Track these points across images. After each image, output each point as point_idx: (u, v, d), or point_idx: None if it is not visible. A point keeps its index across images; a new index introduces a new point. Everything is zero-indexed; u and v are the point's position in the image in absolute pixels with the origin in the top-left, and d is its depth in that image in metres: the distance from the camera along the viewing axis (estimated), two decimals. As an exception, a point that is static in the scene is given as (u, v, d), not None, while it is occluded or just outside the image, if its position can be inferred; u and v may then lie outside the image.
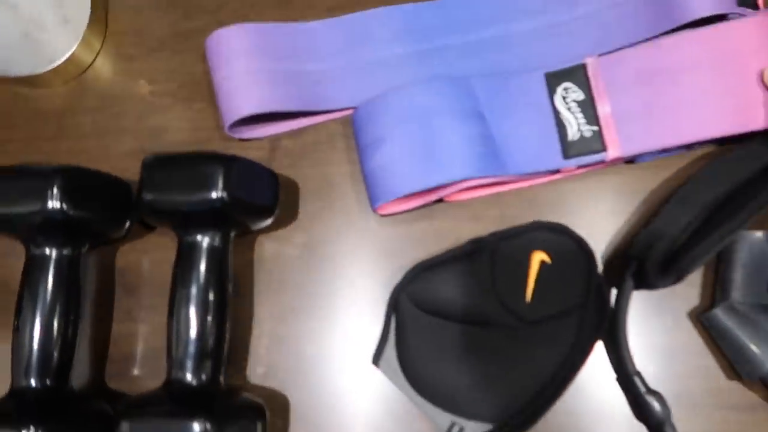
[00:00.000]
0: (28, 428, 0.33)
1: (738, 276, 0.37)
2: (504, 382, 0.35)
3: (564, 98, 0.40)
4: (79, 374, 0.41)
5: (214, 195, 0.34)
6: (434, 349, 0.36)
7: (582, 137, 0.39)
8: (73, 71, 0.46)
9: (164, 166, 0.36)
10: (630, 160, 0.41)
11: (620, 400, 0.38)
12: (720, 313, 0.36)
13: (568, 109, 0.39)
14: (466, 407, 0.35)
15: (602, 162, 0.39)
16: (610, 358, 0.38)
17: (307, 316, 0.41)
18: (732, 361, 0.37)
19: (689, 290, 0.39)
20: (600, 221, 0.40)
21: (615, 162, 0.40)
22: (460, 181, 0.38)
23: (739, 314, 0.36)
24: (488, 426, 0.34)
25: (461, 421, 0.35)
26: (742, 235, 0.37)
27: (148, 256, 0.43)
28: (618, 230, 0.40)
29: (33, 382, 0.36)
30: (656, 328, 0.39)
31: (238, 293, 0.41)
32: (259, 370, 0.41)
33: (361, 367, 0.40)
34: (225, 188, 0.34)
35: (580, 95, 0.39)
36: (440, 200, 0.41)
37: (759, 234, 0.37)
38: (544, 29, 0.43)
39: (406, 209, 0.41)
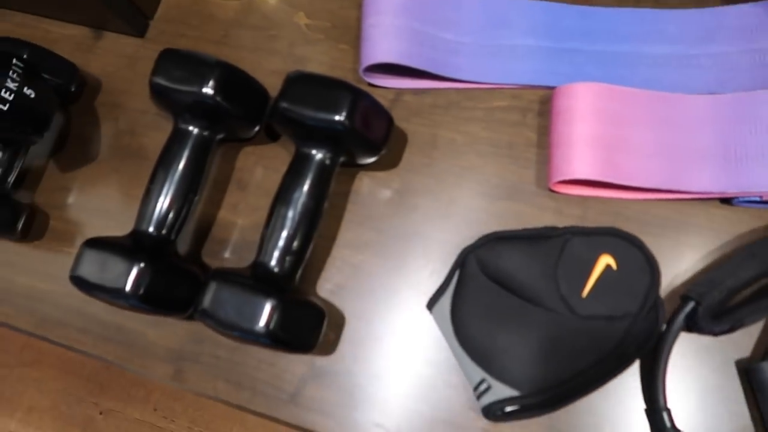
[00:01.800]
0: (140, 261, 0.39)
1: None
2: (539, 359, 0.37)
3: None
4: (184, 242, 0.48)
5: (337, 118, 0.39)
6: (484, 311, 0.39)
7: None
8: (248, -10, 0.53)
9: (303, 83, 0.41)
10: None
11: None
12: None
13: None
14: (499, 370, 0.38)
15: None
16: (643, 388, 0.40)
17: (380, 252, 0.45)
18: (765, 418, 0.37)
19: (743, 338, 0.39)
20: (676, 252, 0.42)
21: None
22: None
23: None
24: (514, 392, 0.37)
25: (491, 380, 0.38)
26: None
27: (264, 163, 0.49)
28: (691, 267, 0.42)
29: (150, 229, 0.42)
30: (700, 368, 0.40)
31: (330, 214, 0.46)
32: (327, 286, 0.45)
33: (415, 311, 0.43)
34: (348, 115, 0.39)
35: None
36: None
37: None
38: (674, 57, 0.45)
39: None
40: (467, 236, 0.44)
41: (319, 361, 0.44)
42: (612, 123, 0.42)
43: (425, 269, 0.44)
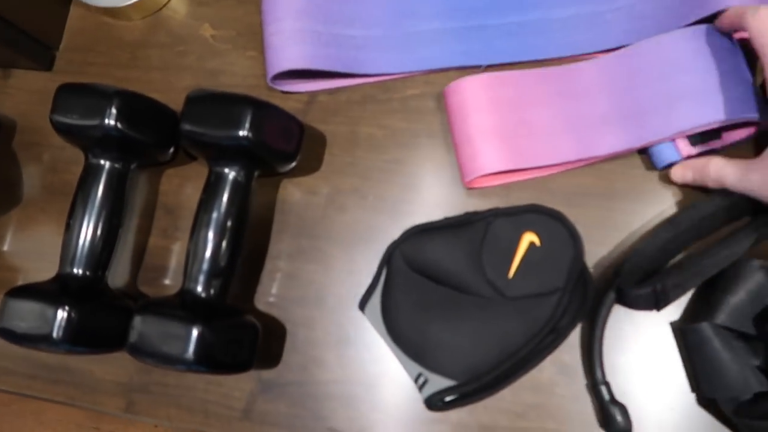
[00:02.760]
0: (65, 305, 0.39)
1: (729, 301, 0.37)
2: (471, 346, 0.37)
3: None
4: (118, 275, 0.47)
5: (240, 133, 0.38)
6: (414, 305, 0.39)
7: None
8: (150, 7, 0.52)
9: (203, 102, 0.40)
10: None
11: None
12: (706, 328, 0.36)
13: None
14: (434, 362, 0.38)
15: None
16: (583, 363, 0.40)
17: (315, 258, 0.45)
18: (699, 376, 0.37)
19: (678, 301, 0.40)
20: (605, 219, 0.42)
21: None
22: None
23: (722, 335, 0.36)
24: (451, 382, 0.37)
25: (427, 373, 0.38)
26: (742, 263, 0.37)
27: (189, 183, 0.48)
28: (622, 233, 0.42)
29: (75, 270, 0.42)
30: (637, 335, 0.40)
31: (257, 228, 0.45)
32: (265, 299, 0.45)
33: (355, 312, 0.43)
34: (251, 129, 0.38)
35: None
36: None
37: (759, 265, 0.37)
38: (582, 17, 0.44)
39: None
40: (398, 231, 0.43)
41: (266, 374, 0.44)
42: (508, 109, 0.42)
43: (361, 269, 0.44)
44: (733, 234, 0.38)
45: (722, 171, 0.38)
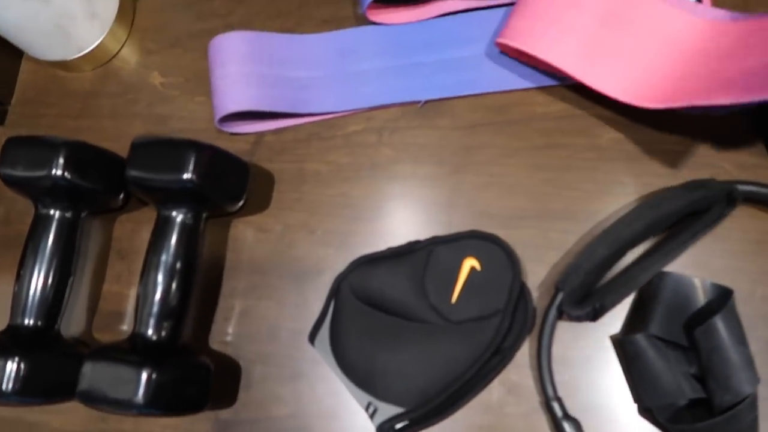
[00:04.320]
0: (14, 357, 0.39)
1: (659, 312, 0.38)
2: (418, 372, 0.38)
3: None
4: (74, 323, 0.48)
5: (184, 176, 0.39)
6: (361, 335, 0.40)
7: None
8: (100, 58, 0.53)
9: (148, 148, 0.41)
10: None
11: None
12: (640, 339, 0.38)
13: None
14: (382, 391, 0.38)
15: None
16: (535, 381, 0.41)
17: (267, 294, 0.46)
18: (638, 387, 0.38)
19: (618, 314, 0.41)
20: (542, 239, 0.43)
21: None
22: None
23: (655, 346, 0.37)
24: (399, 409, 0.38)
25: (376, 402, 0.39)
26: (669, 275, 0.39)
27: (142, 227, 0.49)
28: (560, 250, 0.43)
29: (26, 321, 0.42)
30: (582, 349, 0.41)
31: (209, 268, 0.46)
32: (219, 338, 0.46)
33: (307, 346, 0.44)
34: (194, 171, 0.40)
35: None
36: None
37: (684, 276, 0.38)
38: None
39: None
40: (346, 262, 0.44)
41: (223, 414, 0.44)
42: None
43: (312, 303, 0.45)
44: (661, 244, 0.40)
45: None
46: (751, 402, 0.35)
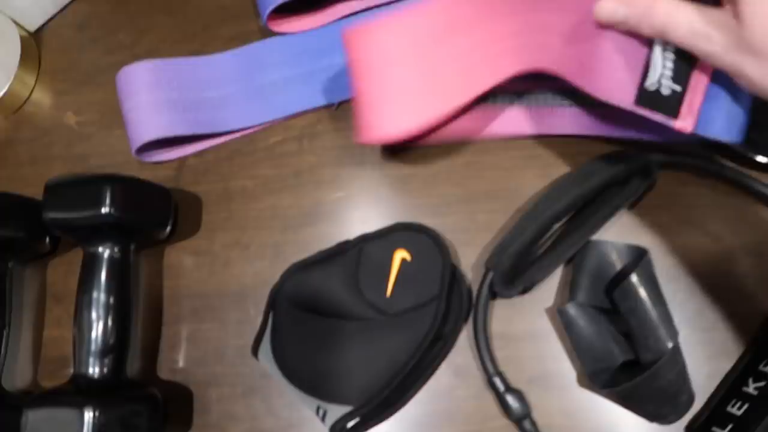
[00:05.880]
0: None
1: (583, 280, 0.40)
2: (361, 368, 0.39)
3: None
4: (19, 374, 0.47)
5: (102, 211, 0.39)
6: (302, 340, 0.40)
7: (657, 92, 0.32)
8: (11, 106, 0.52)
9: (62, 188, 0.41)
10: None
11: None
12: (570, 308, 0.39)
13: (664, 51, 0.31)
14: (329, 392, 0.39)
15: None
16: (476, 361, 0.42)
17: (209, 317, 0.46)
18: (576, 354, 0.39)
19: (551, 286, 0.42)
20: (471, 223, 0.44)
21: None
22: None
23: (587, 313, 0.39)
24: (348, 408, 0.38)
25: (325, 405, 0.39)
26: (590, 243, 0.40)
27: (75, 268, 0.48)
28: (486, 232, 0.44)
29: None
30: (520, 323, 0.42)
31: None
32: (169, 366, 0.45)
33: (254, 361, 0.44)
34: (112, 204, 0.39)
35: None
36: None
37: (605, 242, 0.40)
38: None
39: None
40: (281, 271, 0.45)
41: (179, 442, 0.44)
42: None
43: (254, 318, 0.45)
44: (585, 218, 0.41)
45: (672, 17, 0.28)
46: (671, 357, 0.36)
